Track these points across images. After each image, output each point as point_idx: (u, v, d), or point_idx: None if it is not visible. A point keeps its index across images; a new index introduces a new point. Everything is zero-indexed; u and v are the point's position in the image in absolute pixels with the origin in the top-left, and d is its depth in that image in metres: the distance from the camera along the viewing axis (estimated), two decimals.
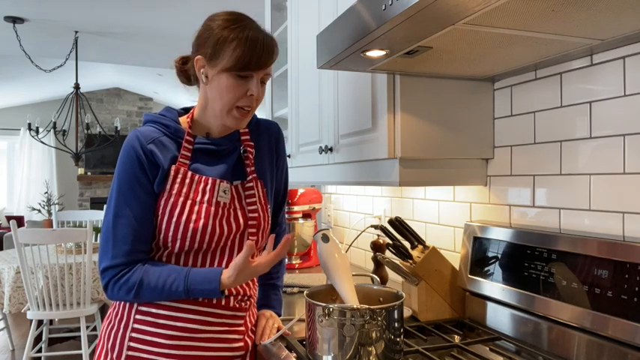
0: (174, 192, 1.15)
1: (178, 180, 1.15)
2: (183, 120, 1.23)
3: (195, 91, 1.26)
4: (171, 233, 1.14)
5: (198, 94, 1.24)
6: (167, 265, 1.15)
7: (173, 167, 1.16)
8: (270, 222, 1.29)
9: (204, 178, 1.18)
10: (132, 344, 1.15)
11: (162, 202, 1.15)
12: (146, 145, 1.15)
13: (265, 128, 1.32)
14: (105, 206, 1.20)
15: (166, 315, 1.15)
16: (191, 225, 1.14)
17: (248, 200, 1.23)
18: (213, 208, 1.17)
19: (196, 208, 1.15)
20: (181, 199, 1.15)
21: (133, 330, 1.16)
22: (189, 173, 1.17)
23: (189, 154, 1.18)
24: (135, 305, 1.16)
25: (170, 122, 1.19)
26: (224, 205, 1.19)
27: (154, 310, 1.15)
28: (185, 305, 1.16)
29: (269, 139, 1.32)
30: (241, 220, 1.21)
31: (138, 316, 1.16)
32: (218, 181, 1.19)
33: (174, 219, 1.14)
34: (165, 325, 1.15)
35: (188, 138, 1.19)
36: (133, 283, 1.12)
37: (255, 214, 1.23)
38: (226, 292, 1.16)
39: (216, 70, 1.12)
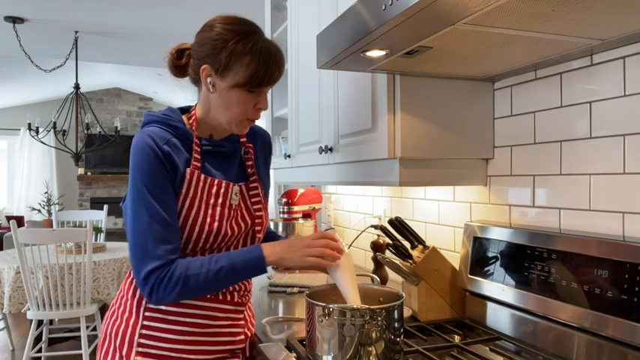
0: (190, 195, 1.15)
1: (194, 183, 1.16)
2: (186, 121, 1.22)
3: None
4: (185, 234, 1.15)
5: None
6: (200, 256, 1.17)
7: (188, 170, 1.16)
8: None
9: (216, 181, 1.19)
10: (142, 341, 1.17)
11: (179, 205, 1.15)
12: (162, 145, 1.13)
13: (259, 134, 1.38)
14: (128, 210, 1.13)
15: (175, 312, 1.17)
16: (206, 227, 1.16)
17: (253, 200, 1.27)
18: (226, 211, 1.20)
19: (210, 211, 1.17)
20: (197, 202, 1.16)
21: (143, 327, 1.17)
22: (203, 176, 1.18)
23: (198, 157, 1.19)
24: (143, 303, 1.17)
25: (178, 124, 1.19)
26: (231, 206, 1.22)
27: (163, 308, 1.17)
28: (193, 302, 1.18)
29: (263, 144, 1.38)
30: (248, 220, 1.25)
31: (147, 314, 1.17)
32: (231, 184, 1.21)
33: (189, 221, 1.15)
34: (175, 322, 1.17)
35: (197, 141, 1.19)
36: (177, 277, 1.09)
37: (260, 213, 1.27)
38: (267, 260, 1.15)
39: (227, 83, 1.13)
